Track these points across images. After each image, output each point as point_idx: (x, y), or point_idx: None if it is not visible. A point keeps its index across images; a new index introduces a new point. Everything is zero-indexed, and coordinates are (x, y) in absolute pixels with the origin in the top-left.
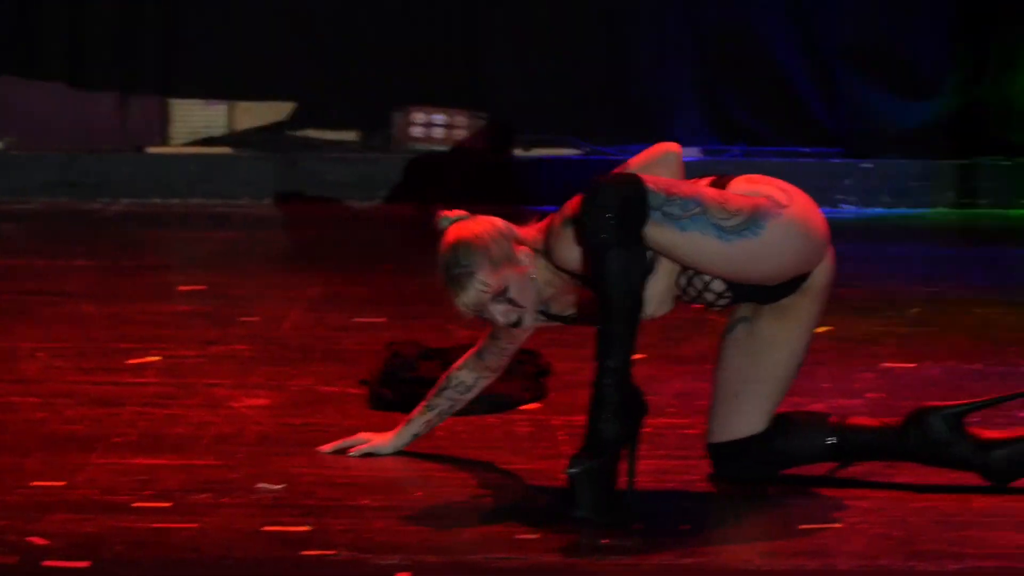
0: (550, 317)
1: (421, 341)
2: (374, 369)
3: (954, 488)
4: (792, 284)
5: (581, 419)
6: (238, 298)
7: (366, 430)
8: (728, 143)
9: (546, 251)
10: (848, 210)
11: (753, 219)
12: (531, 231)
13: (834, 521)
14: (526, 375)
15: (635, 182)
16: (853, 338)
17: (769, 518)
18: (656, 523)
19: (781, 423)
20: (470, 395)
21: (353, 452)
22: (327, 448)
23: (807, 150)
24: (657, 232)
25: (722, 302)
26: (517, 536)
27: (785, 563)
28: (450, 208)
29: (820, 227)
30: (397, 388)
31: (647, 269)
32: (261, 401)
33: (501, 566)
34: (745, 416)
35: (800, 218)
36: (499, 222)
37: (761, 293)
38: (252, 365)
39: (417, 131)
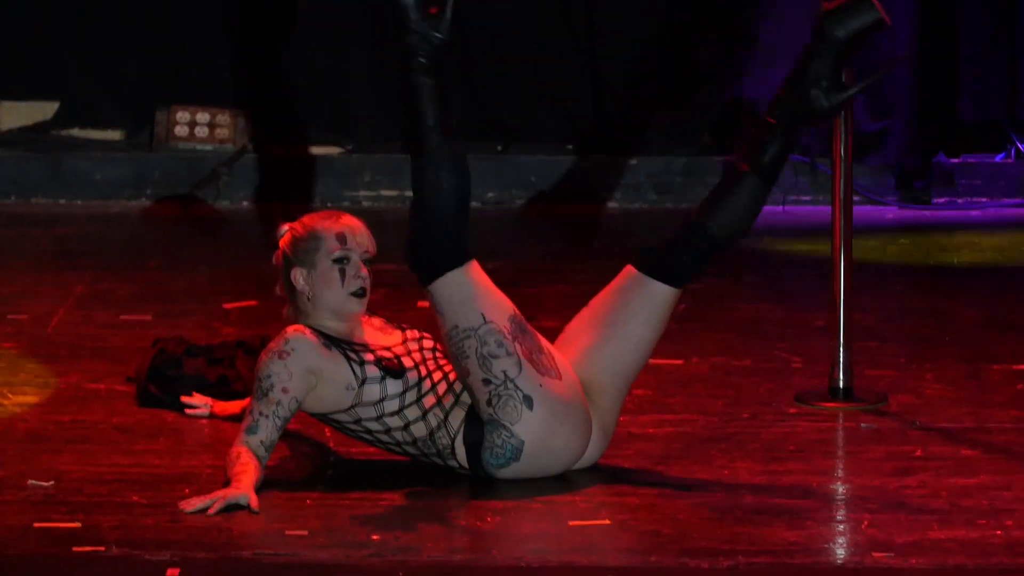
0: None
1: (186, 338)
2: (141, 366)
3: (724, 485)
4: None
5: None
6: (5, 296)
7: (134, 427)
8: (491, 141)
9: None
10: (612, 206)
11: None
12: None
13: (604, 518)
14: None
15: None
16: None
17: (538, 515)
18: (428, 519)
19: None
20: None
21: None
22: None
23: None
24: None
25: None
26: (287, 532)
27: (555, 559)
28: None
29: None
30: (163, 385)
31: None
32: (29, 398)
33: (271, 562)
34: None
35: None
36: None
37: None
38: (20, 363)
39: (180, 130)
